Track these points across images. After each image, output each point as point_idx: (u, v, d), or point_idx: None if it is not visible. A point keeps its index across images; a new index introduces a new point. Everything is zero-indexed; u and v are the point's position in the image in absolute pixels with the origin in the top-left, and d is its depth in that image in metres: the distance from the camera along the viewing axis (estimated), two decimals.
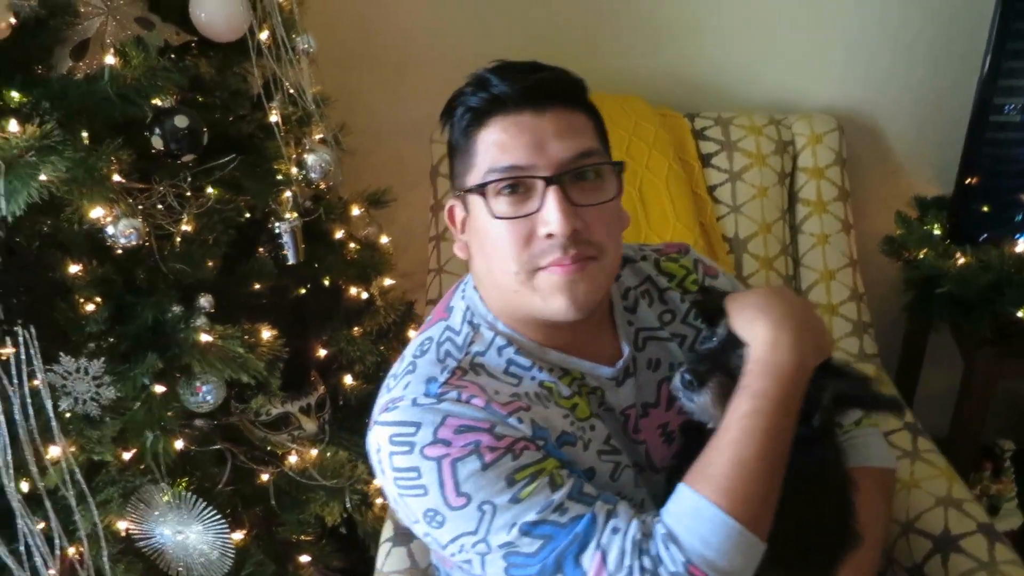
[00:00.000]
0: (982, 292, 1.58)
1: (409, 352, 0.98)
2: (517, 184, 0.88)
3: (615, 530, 0.82)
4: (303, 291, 1.65)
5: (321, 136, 1.67)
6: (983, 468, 1.90)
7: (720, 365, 0.90)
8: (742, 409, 0.85)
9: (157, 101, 1.23)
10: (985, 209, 1.75)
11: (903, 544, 1.37)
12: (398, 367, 0.97)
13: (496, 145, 0.88)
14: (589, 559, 0.81)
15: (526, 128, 0.87)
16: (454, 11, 1.94)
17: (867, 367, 1.75)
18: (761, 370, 0.86)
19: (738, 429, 0.84)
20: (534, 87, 0.88)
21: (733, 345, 0.90)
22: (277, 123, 1.47)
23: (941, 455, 1.51)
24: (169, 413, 1.24)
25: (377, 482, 0.93)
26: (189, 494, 1.25)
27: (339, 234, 1.76)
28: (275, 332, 1.41)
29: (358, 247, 1.74)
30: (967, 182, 1.70)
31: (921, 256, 1.74)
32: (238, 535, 1.45)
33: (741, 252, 1.81)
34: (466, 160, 0.92)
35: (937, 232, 1.77)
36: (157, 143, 1.24)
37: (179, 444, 1.37)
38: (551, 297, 0.89)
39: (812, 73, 1.97)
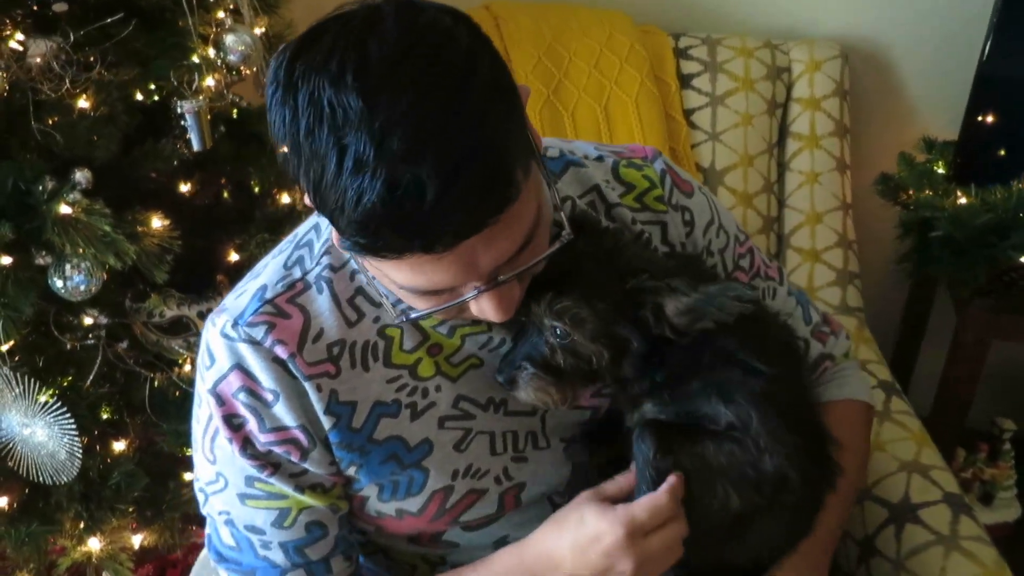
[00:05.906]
0: (980, 235, 1.37)
1: (278, 246, 0.84)
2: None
3: None
4: (225, 193, 1.52)
5: (262, 31, 1.53)
6: (979, 450, 1.69)
7: (526, 357, 0.78)
8: None
9: None
10: (1001, 153, 1.53)
11: (857, 512, 1.18)
12: (264, 259, 0.84)
13: (411, 268, 0.65)
14: None
15: (451, 259, 0.64)
16: None
17: (848, 320, 1.55)
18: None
19: None
20: (464, 224, 0.62)
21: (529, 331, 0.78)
22: None
23: (916, 418, 1.31)
24: (22, 294, 1.11)
25: None
26: (33, 383, 1.11)
27: None
28: (167, 222, 1.27)
29: None
30: (977, 120, 1.49)
31: (920, 197, 1.52)
32: (120, 444, 1.33)
33: (716, 184, 1.61)
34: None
35: (941, 171, 1.55)
36: None
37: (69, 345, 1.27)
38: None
39: None
